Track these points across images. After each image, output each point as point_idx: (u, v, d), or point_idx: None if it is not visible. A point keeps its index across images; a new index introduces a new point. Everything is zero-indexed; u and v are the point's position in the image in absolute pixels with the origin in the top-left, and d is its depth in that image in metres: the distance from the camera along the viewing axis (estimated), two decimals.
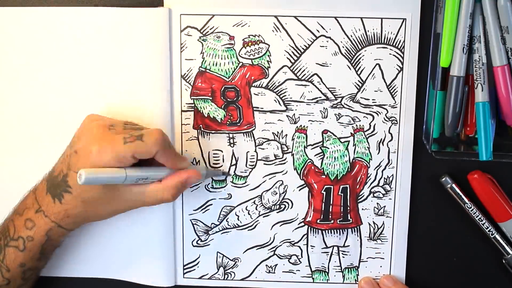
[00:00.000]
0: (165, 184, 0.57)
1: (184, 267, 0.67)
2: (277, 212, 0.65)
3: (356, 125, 0.63)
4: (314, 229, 0.65)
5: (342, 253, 0.66)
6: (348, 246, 0.66)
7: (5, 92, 0.64)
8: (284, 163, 0.64)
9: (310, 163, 0.64)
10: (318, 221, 0.65)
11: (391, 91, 0.62)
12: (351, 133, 0.63)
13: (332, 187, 0.64)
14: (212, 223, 0.66)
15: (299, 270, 0.66)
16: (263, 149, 0.64)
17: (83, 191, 0.55)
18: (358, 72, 0.62)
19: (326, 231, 0.65)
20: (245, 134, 0.64)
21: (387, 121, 0.62)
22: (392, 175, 0.63)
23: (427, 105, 0.62)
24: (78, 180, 0.51)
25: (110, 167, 0.53)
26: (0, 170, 0.65)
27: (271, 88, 0.63)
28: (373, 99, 0.62)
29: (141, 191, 0.56)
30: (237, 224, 0.66)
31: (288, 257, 0.66)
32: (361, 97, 0.62)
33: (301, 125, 0.63)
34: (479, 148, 0.59)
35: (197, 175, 0.58)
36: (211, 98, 0.63)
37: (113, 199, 0.57)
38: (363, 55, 0.61)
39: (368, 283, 0.65)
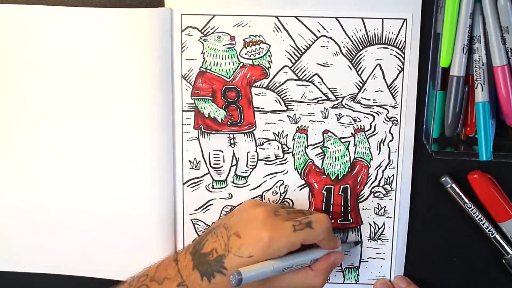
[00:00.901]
0: (316, 271, 0.58)
1: None
2: None
3: (357, 125, 0.63)
4: None
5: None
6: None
7: (3, 90, 0.64)
8: (285, 163, 0.64)
9: (310, 163, 0.64)
10: None
11: (392, 91, 0.62)
12: (351, 133, 0.63)
13: (332, 187, 0.65)
14: (212, 223, 0.66)
15: None
16: (263, 149, 0.64)
17: None
18: (359, 72, 0.62)
19: None
20: (245, 134, 0.64)
21: (387, 121, 0.63)
22: (393, 175, 0.64)
23: (427, 105, 0.62)
24: (231, 282, 0.51)
25: (279, 255, 0.54)
26: None
27: (271, 88, 0.63)
28: (373, 99, 0.62)
29: (293, 278, 0.57)
30: None
31: None
32: (361, 97, 0.62)
33: (301, 125, 0.63)
34: (479, 148, 0.59)
35: (343, 257, 0.60)
36: (211, 98, 0.63)
37: (265, 284, 0.56)
38: (364, 55, 0.61)
39: (384, 284, 0.65)
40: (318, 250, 0.59)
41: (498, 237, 0.63)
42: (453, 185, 0.63)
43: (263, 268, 0.54)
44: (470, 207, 0.63)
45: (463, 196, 0.63)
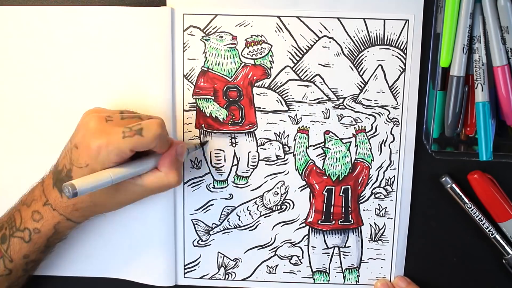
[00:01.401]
0: (164, 169, 0.56)
1: (185, 267, 0.66)
2: (278, 213, 0.65)
3: (358, 126, 0.63)
4: (315, 230, 0.65)
5: (343, 254, 0.66)
6: (349, 247, 0.66)
7: (6, 91, 0.63)
8: (286, 163, 0.64)
9: (311, 163, 0.64)
10: (319, 222, 0.65)
11: (393, 92, 0.62)
12: (353, 134, 0.63)
13: (333, 188, 0.65)
14: (213, 223, 0.66)
15: (300, 271, 0.66)
16: (264, 149, 0.64)
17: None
18: (361, 73, 0.62)
19: (327, 232, 0.65)
20: (247, 134, 0.64)
21: (389, 122, 0.63)
22: (394, 176, 0.64)
23: (427, 105, 0.62)
24: (66, 194, 0.49)
25: (110, 161, 0.53)
26: (1, 169, 0.65)
27: (273, 88, 0.63)
28: (375, 100, 0.62)
29: (145, 182, 0.56)
30: (238, 224, 0.65)
31: (289, 257, 0.66)
32: (363, 98, 0.62)
33: (303, 126, 0.63)
34: (479, 148, 0.59)
35: (182, 144, 0.57)
36: (213, 97, 0.63)
37: (119, 191, 0.56)
38: (366, 56, 0.62)
39: (384, 285, 0.65)
40: (156, 156, 0.57)
41: (498, 237, 0.63)
42: (453, 185, 0.63)
43: (100, 178, 0.52)
44: (470, 207, 0.63)
45: (463, 196, 0.63)
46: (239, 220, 0.65)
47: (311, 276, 0.66)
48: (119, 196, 0.56)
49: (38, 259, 0.60)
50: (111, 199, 0.56)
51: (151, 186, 0.56)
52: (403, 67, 0.61)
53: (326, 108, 0.63)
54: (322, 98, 0.63)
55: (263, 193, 0.65)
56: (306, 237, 0.66)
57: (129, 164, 0.55)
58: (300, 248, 0.66)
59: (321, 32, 0.61)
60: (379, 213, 0.65)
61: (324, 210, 0.65)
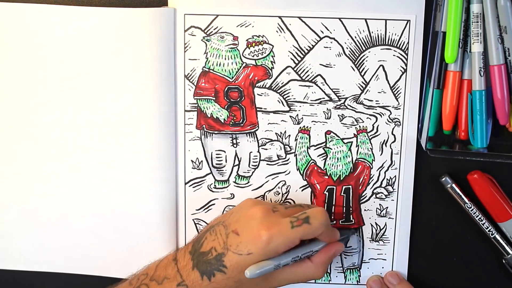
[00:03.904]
0: (316, 263, 0.58)
1: None
2: None
3: (359, 126, 0.63)
4: None
5: (344, 254, 0.66)
6: (350, 247, 0.66)
7: (3, 89, 0.63)
8: (287, 163, 0.64)
9: (313, 163, 0.64)
10: None
11: (395, 92, 0.62)
12: (354, 134, 0.63)
13: (334, 187, 0.65)
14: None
15: None
16: (266, 149, 0.64)
17: (240, 273, 0.55)
18: (362, 73, 0.62)
19: None
20: (248, 134, 0.64)
21: (390, 122, 0.63)
22: (395, 176, 0.64)
23: (423, 104, 0.62)
24: (246, 275, 0.53)
25: (278, 252, 0.55)
26: None
27: (274, 89, 0.63)
28: (376, 100, 0.62)
29: (293, 271, 0.57)
30: None
31: None
32: (364, 98, 0.62)
33: (304, 126, 0.64)
34: (475, 136, 0.59)
35: (342, 247, 0.60)
36: (214, 98, 0.63)
37: (266, 279, 0.57)
38: (367, 56, 0.62)
39: (377, 282, 0.65)
40: (318, 242, 0.59)
41: (498, 237, 0.64)
42: (453, 185, 0.63)
43: (267, 266, 0.54)
44: (470, 207, 0.63)
45: (463, 196, 0.63)
46: None
47: None
48: (264, 283, 0.57)
49: None
50: (255, 285, 0.57)
51: (297, 275, 0.58)
52: (405, 68, 0.62)
53: (327, 108, 0.63)
54: (324, 98, 0.63)
55: (265, 193, 0.65)
56: None
57: (295, 250, 0.57)
58: None
59: (322, 32, 0.61)
60: (380, 213, 0.65)
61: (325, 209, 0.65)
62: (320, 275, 0.59)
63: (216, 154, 0.64)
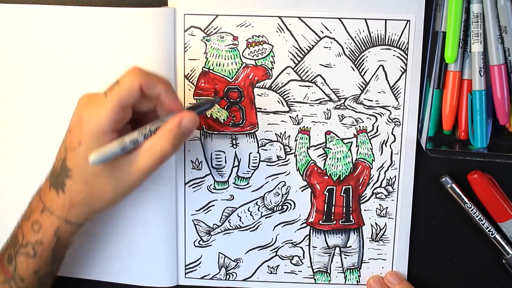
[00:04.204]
0: (161, 133, 0.52)
1: (186, 267, 0.66)
2: (280, 213, 0.65)
3: (359, 126, 0.63)
4: (316, 230, 0.66)
5: (344, 254, 0.66)
6: (350, 247, 0.66)
7: (5, 90, 0.63)
8: (287, 164, 0.64)
9: (312, 164, 0.64)
10: (320, 222, 0.65)
11: (395, 92, 0.62)
12: (354, 134, 0.63)
13: (334, 188, 0.65)
14: (214, 224, 0.65)
15: (301, 271, 0.66)
16: (266, 150, 0.64)
17: (83, 170, 0.52)
18: (362, 73, 0.62)
19: (328, 232, 0.66)
20: (248, 135, 0.64)
21: (390, 122, 0.63)
22: (395, 176, 0.64)
23: (423, 104, 0.62)
24: (89, 161, 0.50)
25: (103, 129, 0.51)
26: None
27: (274, 89, 0.63)
28: (376, 101, 0.62)
29: (139, 153, 0.52)
30: (239, 225, 0.65)
31: (290, 258, 0.66)
32: (364, 98, 0.62)
33: (304, 126, 0.63)
34: (475, 136, 0.60)
35: (192, 116, 0.54)
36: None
37: (113, 172, 0.53)
38: (367, 56, 0.62)
39: (377, 281, 0.65)
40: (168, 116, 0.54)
41: (498, 237, 0.64)
42: (453, 185, 0.63)
43: (110, 147, 0.51)
44: (470, 207, 0.63)
45: (463, 196, 0.63)
46: (240, 220, 0.65)
47: (312, 276, 0.66)
48: (115, 179, 0.53)
49: (50, 272, 0.58)
50: (106, 183, 0.53)
51: (143, 157, 0.52)
52: (404, 68, 0.62)
53: (327, 109, 0.63)
54: (323, 98, 0.63)
55: (264, 194, 0.65)
56: (307, 237, 0.66)
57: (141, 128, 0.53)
58: (301, 248, 0.66)
59: (322, 32, 0.61)
60: (380, 213, 0.65)
61: (325, 210, 0.65)
62: (168, 147, 0.52)
63: (216, 154, 0.64)
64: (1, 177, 0.65)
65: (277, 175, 0.65)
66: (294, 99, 0.63)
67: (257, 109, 0.63)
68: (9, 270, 0.56)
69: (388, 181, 0.64)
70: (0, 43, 0.62)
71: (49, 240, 0.56)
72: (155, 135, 0.53)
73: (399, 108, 0.62)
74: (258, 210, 0.65)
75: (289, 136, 0.64)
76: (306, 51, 0.62)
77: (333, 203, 0.65)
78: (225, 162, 0.64)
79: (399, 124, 0.63)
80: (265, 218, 0.65)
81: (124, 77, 0.52)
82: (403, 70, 0.62)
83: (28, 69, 0.62)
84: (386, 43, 0.61)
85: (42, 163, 0.61)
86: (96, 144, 0.51)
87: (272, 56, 0.62)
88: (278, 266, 0.66)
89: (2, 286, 0.56)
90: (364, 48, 0.61)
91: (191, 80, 0.62)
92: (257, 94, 0.63)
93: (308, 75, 0.62)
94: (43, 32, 0.62)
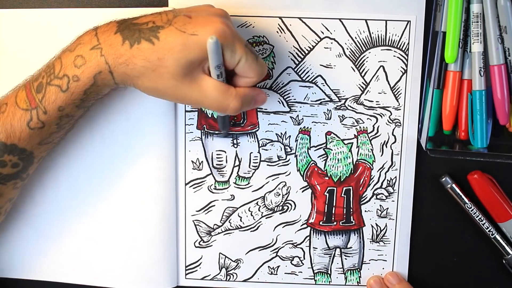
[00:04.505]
0: (237, 92, 0.54)
1: (186, 268, 0.66)
2: (280, 214, 0.65)
3: (360, 127, 0.63)
4: (317, 231, 0.66)
5: (345, 255, 0.66)
6: (351, 248, 0.66)
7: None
8: (288, 164, 0.64)
9: (313, 164, 0.64)
10: (320, 223, 0.65)
11: (395, 93, 0.62)
12: (354, 134, 0.63)
13: (335, 188, 0.65)
14: (214, 224, 0.65)
15: (301, 272, 0.66)
16: (266, 150, 0.64)
17: (169, 50, 0.51)
18: (362, 74, 0.62)
19: (329, 232, 0.66)
20: (248, 135, 0.64)
21: (390, 123, 0.63)
22: (396, 177, 0.64)
23: (424, 104, 0.62)
24: (209, 40, 0.49)
25: (221, 48, 0.51)
26: None
27: (275, 89, 0.63)
28: (377, 101, 0.63)
29: (216, 85, 0.53)
30: (239, 225, 0.65)
31: (291, 258, 0.66)
32: (365, 99, 0.63)
33: (304, 127, 0.64)
34: (475, 136, 0.60)
35: (265, 97, 0.57)
36: None
37: (191, 80, 0.52)
38: (367, 57, 0.62)
39: (377, 282, 0.65)
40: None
41: (498, 237, 0.64)
42: (453, 185, 0.63)
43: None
44: (470, 207, 0.63)
45: (463, 196, 0.63)
46: (241, 221, 0.65)
47: (313, 277, 0.66)
48: (175, 80, 0.52)
49: (73, 114, 0.55)
50: (167, 75, 0.52)
51: (212, 93, 0.53)
52: (405, 68, 0.62)
53: (327, 109, 0.63)
54: (324, 99, 0.63)
55: (265, 194, 0.65)
56: (308, 238, 0.66)
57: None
58: (302, 249, 0.66)
59: (322, 33, 0.62)
60: (381, 214, 0.65)
61: (325, 211, 0.65)
62: (235, 106, 0.54)
63: (217, 154, 0.64)
64: None
65: (277, 175, 0.65)
66: (295, 99, 0.63)
67: (258, 109, 0.63)
68: (35, 99, 0.53)
69: (388, 182, 0.64)
70: (2, 48, 0.62)
71: (86, 80, 0.53)
72: (233, 89, 0.54)
73: (400, 109, 0.63)
74: (259, 210, 0.65)
75: (290, 136, 0.64)
76: (306, 52, 0.62)
77: (334, 204, 0.65)
78: (226, 162, 0.64)
79: (399, 124, 0.63)
80: (266, 218, 0.65)
81: (261, 63, 0.54)
82: (403, 71, 0.62)
83: (29, 72, 0.62)
84: (387, 43, 0.61)
85: (41, 168, 0.62)
86: (202, 54, 0.51)
87: (272, 56, 0.62)
88: (278, 266, 0.66)
89: (23, 113, 0.53)
90: (364, 49, 0.62)
91: None
92: None
93: (309, 76, 0.62)
94: (44, 35, 0.61)
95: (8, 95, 0.55)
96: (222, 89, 0.53)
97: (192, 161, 0.64)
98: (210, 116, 0.63)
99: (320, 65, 0.62)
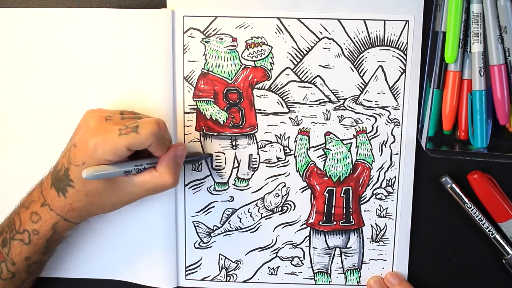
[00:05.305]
0: (160, 170, 0.56)
1: (186, 269, 0.66)
2: (280, 214, 0.65)
3: (359, 127, 0.63)
4: (317, 231, 0.66)
5: (345, 255, 0.66)
6: (351, 247, 0.66)
7: (8, 93, 0.63)
8: (287, 165, 0.64)
9: (312, 165, 0.64)
10: (320, 223, 0.65)
11: (394, 93, 0.62)
12: (353, 135, 0.63)
13: (334, 189, 0.65)
14: (214, 225, 0.65)
15: (301, 272, 0.66)
16: (265, 151, 0.64)
17: (85, 185, 0.55)
18: (361, 74, 0.62)
19: (329, 232, 0.66)
20: (247, 136, 0.64)
21: (389, 123, 0.63)
22: (395, 177, 0.64)
23: (423, 104, 0.62)
24: (82, 175, 0.52)
25: (106, 159, 0.53)
26: (2, 171, 0.65)
27: (273, 90, 0.63)
28: (375, 101, 0.62)
29: (141, 181, 0.56)
30: (239, 226, 0.65)
31: (290, 259, 0.66)
32: (363, 99, 0.62)
33: (303, 127, 0.63)
34: (475, 136, 0.60)
35: (182, 145, 0.58)
36: (213, 100, 0.63)
37: (115, 190, 0.56)
38: (366, 57, 0.61)
39: (377, 282, 0.65)
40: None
41: (498, 237, 0.64)
42: (453, 185, 0.63)
43: (105, 169, 0.53)
44: (470, 207, 0.63)
45: (463, 196, 0.63)
46: (240, 222, 0.65)
47: (313, 277, 0.66)
48: (115, 196, 0.57)
49: (40, 260, 0.60)
50: (107, 198, 0.57)
51: (146, 186, 0.56)
52: (404, 68, 0.61)
53: (326, 110, 0.63)
54: (323, 99, 0.63)
55: (264, 195, 0.65)
56: (307, 238, 0.66)
57: (128, 162, 0.55)
58: (301, 249, 0.66)
59: (321, 33, 0.61)
60: (380, 213, 0.65)
61: (325, 211, 0.65)
62: (169, 181, 0.56)
63: (216, 156, 0.64)
64: (2, 176, 0.65)
65: (277, 176, 0.65)
66: (294, 100, 0.63)
67: (257, 110, 0.63)
68: (2, 253, 0.58)
69: (388, 182, 0.64)
70: (3, 47, 0.62)
71: (46, 232, 0.58)
72: (155, 172, 0.56)
73: (399, 109, 0.62)
74: (258, 211, 0.65)
75: (289, 137, 0.64)
76: (305, 52, 0.62)
77: (333, 204, 0.65)
78: (225, 164, 0.64)
79: (398, 124, 0.63)
80: (265, 219, 0.65)
81: (144, 129, 0.54)
82: (402, 71, 0.62)
83: (29, 71, 0.62)
84: (385, 43, 0.61)
85: (42, 163, 0.61)
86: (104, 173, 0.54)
87: (271, 57, 0.62)
88: (278, 267, 0.66)
89: None
90: (363, 49, 0.61)
91: (190, 82, 0.62)
92: (257, 95, 0.63)
93: (307, 76, 0.62)
94: (42, 34, 0.61)
95: None
96: (147, 179, 0.56)
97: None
98: (208, 117, 0.63)
99: (319, 65, 0.62)
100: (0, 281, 0.58)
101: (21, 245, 0.58)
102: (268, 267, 0.66)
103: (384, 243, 0.65)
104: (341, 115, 0.63)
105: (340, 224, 0.65)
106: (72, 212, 0.57)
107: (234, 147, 0.64)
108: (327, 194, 0.65)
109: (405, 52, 0.61)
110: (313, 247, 0.66)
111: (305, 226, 0.65)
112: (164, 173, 0.56)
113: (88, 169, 0.53)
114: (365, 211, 0.65)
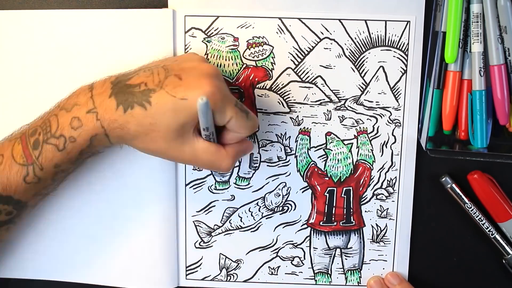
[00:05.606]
0: (227, 152, 0.56)
1: (187, 269, 0.66)
2: (280, 214, 0.65)
3: (360, 127, 0.63)
4: (317, 231, 0.66)
5: (345, 255, 0.66)
6: (351, 248, 0.66)
7: (8, 96, 0.63)
8: (288, 165, 0.64)
9: (313, 165, 0.64)
10: (321, 223, 0.65)
11: (395, 93, 0.62)
12: (354, 135, 0.63)
13: (335, 189, 0.65)
14: (215, 225, 0.65)
15: (301, 272, 0.66)
16: (266, 151, 0.64)
17: (160, 115, 0.51)
18: (362, 75, 0.62)
19: (329, 233, 0.66)
20: (248, 136, 0.64)
21: (390, 123, 0.63)
22: (396, 177, 0.64)
23: (423, 104, 0.62)
24: (199, 100, 0.49)
25: (210, 114, 0.52)
26: None
27: (274, 90, 0.63)
28: (376, 102, 0.63)
29: (207, 147, 0.54)
30: (240, 225, 0.65)
31: (291, 259, 0.66)
32: (364, 99, 0.63)
33: (304, 127, 0.64)
34: (475, 136, 0.60)
35: (252, 146, 0.60)
36: None
37: (174, 140, 0.53)
38: (367, 58, 0.62)
39: (377, 282, 0.65)
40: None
41: (498, 237, 0.64)
42: (453, 185, 0.63)
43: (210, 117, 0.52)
44: (470, 207, 0.63)
45: (463, 196, 0.63)
46: (241, 221, 0.65)
47: (313, 277, 0.66)
48: (168, 143, 0.53)
49: (68, 169, 0.56)
50: (160, 138, 0.53)
51: (204, 156, 0.55)
52: (405, 69, 0.62)
53: (327, 110, 0.63)
54: (324, 99, 0.63)
55: (265, 195, 0.65)
56: (308, 238, 0.66)
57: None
58: (302, 249, 0.66)
59: (322, 33, 0.62)
60: (381, 214, 0.65)
61: (325, 211, 0.65)
62: (227, 165, 0.56)
63: None
64: None
65: (277, 176, 0.65)
66: (295, 100, 0.63)
67: (258, 110, 0.63)
68: (32, 155, 0.54)
69: (388, 183, 0.64)
70: (3, 49, 0.62)
71: (83, 142, 0.54)
72: (223, 150, 0.56)
73: (400, 109, 0.63)
74: (259, 210, 0.65)
75: (290, 137, 0.64)
76: (306, 52, 0.62)
77: (334, 205, 0.65)
78: None
79: (399, 125, 0.63)
80: (266, 218, 0.65)
81: (253, 120, 0.55)
82: (403, 71, 0.62)
83: (29, 74, 0.62)
84: (386, 44, 0.61)
85: None
86: (192, 117, 0.52)
87: (272, 57, 0.62)
88: (279, 267, 0.66)
89: (20, 168, 0.54)
90: (364, 49, 0.62)
91: None
92: (258, 95, 0.63)
93: (308, 76, 0.62)
94: (43, 36, 0.61)
95: (3, 145, 0.55)
96: (212, 151, 0.55)
97: None
98: None
99: (320, 65, 0.62)
100: (24, 184, 0.54)
101: (54, 150, 0.53)
102: (269, 266, 0.66)
103: (384, 243, 0.65)
104: (342, 116, 0.63)
105: (341, 224, 0.65)
106: (119, 131, 0.53)
107: None
108: (327, 195, 0.65)
109: (406, 53, 0.61)
110: (314, 247, 0.66)
111: (305, 226, 0.65)
112: (228, 156, 0.55)
113: (207, 100, 0.50)
114: (365, 211, 0.65)
